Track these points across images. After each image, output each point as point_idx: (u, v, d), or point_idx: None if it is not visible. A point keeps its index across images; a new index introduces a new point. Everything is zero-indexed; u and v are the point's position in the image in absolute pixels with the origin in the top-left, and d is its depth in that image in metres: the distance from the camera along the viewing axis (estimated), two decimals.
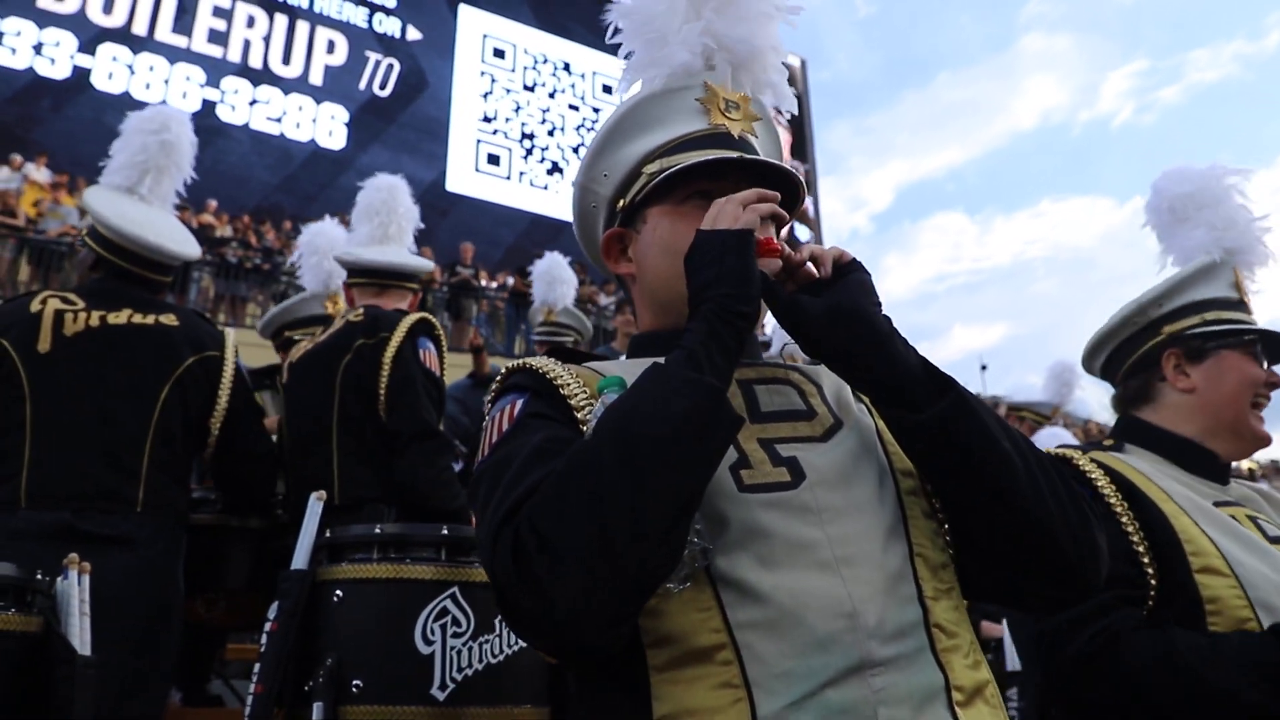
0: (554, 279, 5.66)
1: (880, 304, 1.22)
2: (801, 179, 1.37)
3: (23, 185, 14.66)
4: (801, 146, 32.34)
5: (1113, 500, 1.74)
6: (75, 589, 2.06)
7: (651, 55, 1.42)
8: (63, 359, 2.61)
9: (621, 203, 1.41)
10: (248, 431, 2.90)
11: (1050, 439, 5.09)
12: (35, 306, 2.67)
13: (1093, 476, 1.79)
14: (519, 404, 1.23)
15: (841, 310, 1.18)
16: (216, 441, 2.81)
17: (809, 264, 1.25)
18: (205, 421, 2.79)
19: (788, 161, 1.44)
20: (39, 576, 2.03)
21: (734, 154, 1.32)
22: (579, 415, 1.20)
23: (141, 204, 2.91)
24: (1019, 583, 1.21)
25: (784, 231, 1.33)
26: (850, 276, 1.22)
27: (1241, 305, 1.95)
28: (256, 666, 2.16)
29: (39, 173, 15.90)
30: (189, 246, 2.95)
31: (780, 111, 1.51)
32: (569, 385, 1.23)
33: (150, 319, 2.75)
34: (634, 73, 1.46)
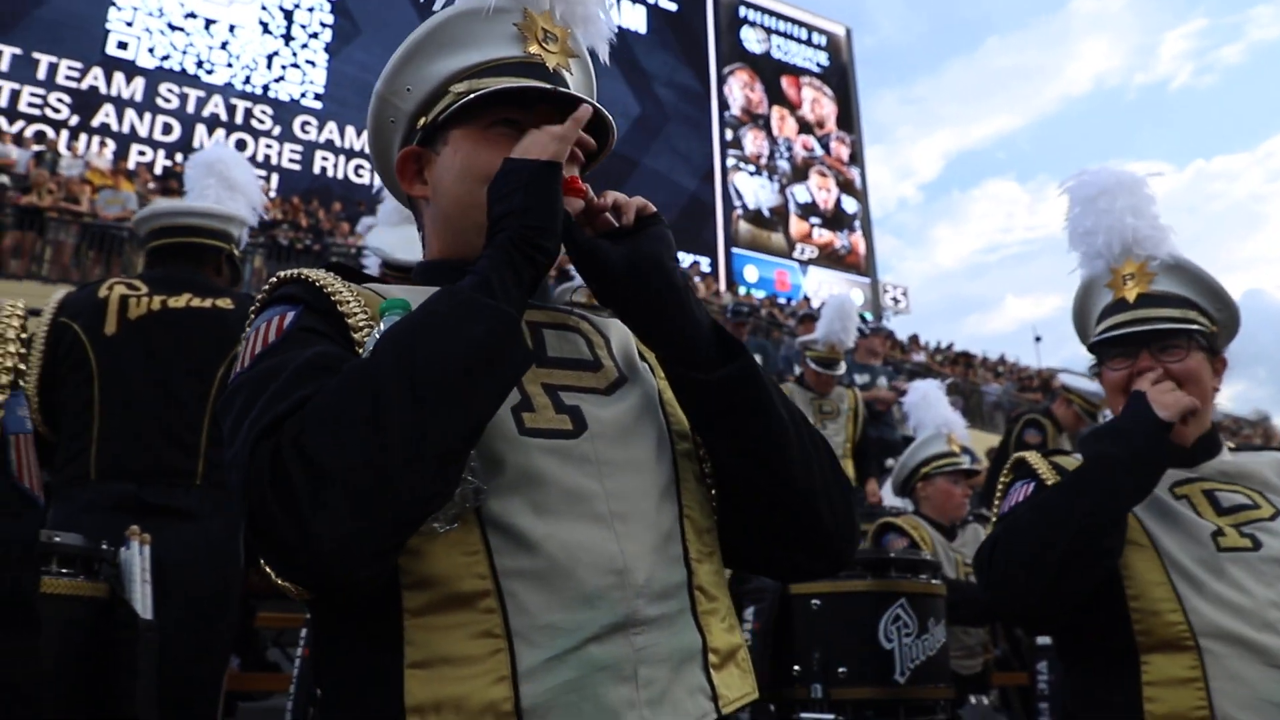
0: None
1: (679, 260, 1.21)
2: (612, 121, 1.31)
3: (85, 171, 15.05)
4: (848, 117, 32.03)
5: (1050, 479, 1.94)
6: (137, 558, 2.21)
7: None
8: (127, 341, 2.77)
9: (423, 121, 1.32)
10: None
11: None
12: (102, 293, 2.84)
13: (1039, 471, 1.97)
14: (290, 316, 1.13)
15: (642, 261, 1.16)
16: None
17: (610, 213, 1.21)
18: None
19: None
20: (104, 546, 2.19)
21: (548, 85, 1.25)
22: (356, 337, 1.11)
23: None
24: (778, 550, 1.23)
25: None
26: (652, 229, 1.20)
27: (1120, 305, 2.02)
28: (302, 631, 2.31)
29: (100, 159, 16.34)
30: (233, 209, 3.10)
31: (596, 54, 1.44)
32: (349, 303, 1.14)
33: (208, 303, 2.90)
34: None
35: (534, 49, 1.30)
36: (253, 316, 1.21)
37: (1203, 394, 1.93)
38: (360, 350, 1.08)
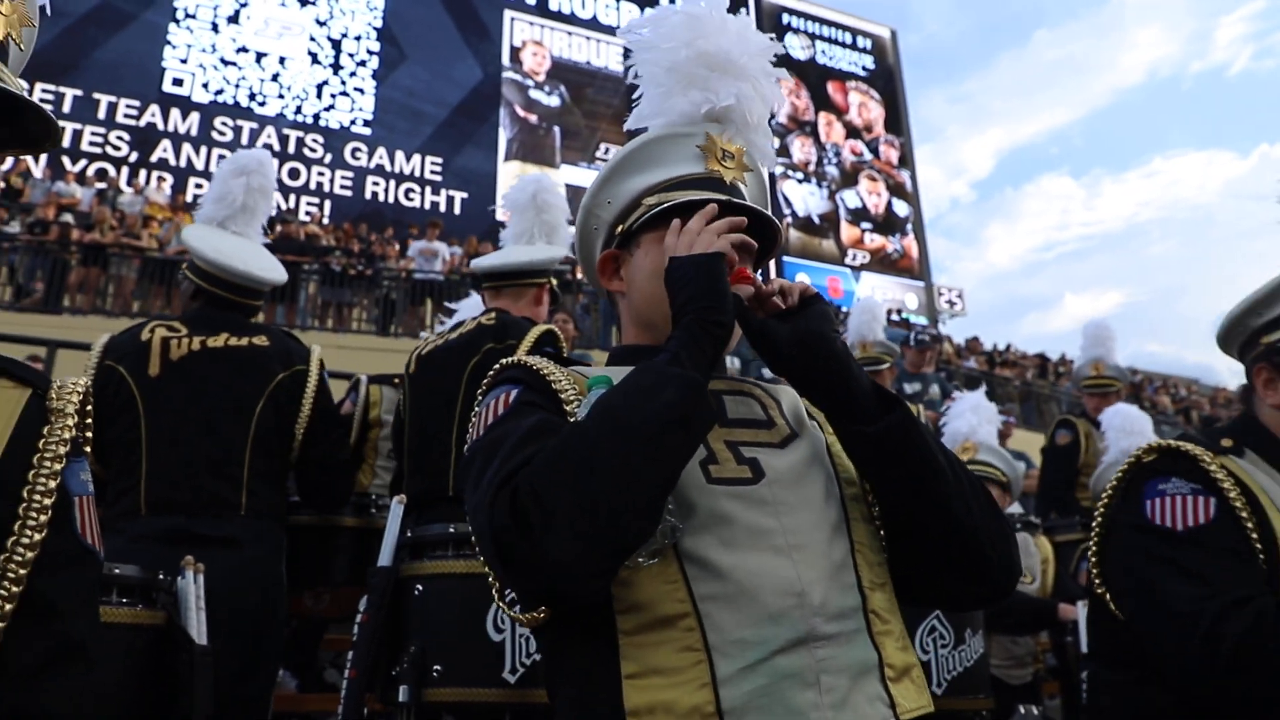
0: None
1: (839, 332, 1.38)
2: (779, 225, 1.54)
3: (144, 206, 15.50)
4: (896, 120, 31.79)
5: (1239, 505, 1.74)
6: (192, 587, 2.33)
7: (659, 106, 1.58)
8: (170, 381, 2.90)
9: (620, 228, 1.56)
10: (323, 438, 3.13)
11: (1114, 415, 4.97)
12: (145, 335, 2.97)
13: (1221, 482, 1.77)
14: (514, 393, 1.37)
15: (807, 336, 1.35)
16: (300, 447, 3.06)
17: (777, 296, 1.41)
18: (293, 428, 3.05)
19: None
20: (161, 576, 2.31)
21: (722, 196, 1.48)
22: (567, 408, 1.34)
23: (233, 236, 3.19)
24: (945, 581, 1.38)
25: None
26: (813, 307, 1.39)
27: None
28: (350, 654, 2.41)
29: (158, 194, 16.82)
30: (275, 273, 3.21)
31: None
32: (560, 381, 1.38)
33: (245, 341, 3.03)
34: (641, 119, 1.62)
35: (714, 166, 1.53)
36: (481, 396, 1.45)
37: None
38: (570, 418, 1.31)
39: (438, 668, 2.33)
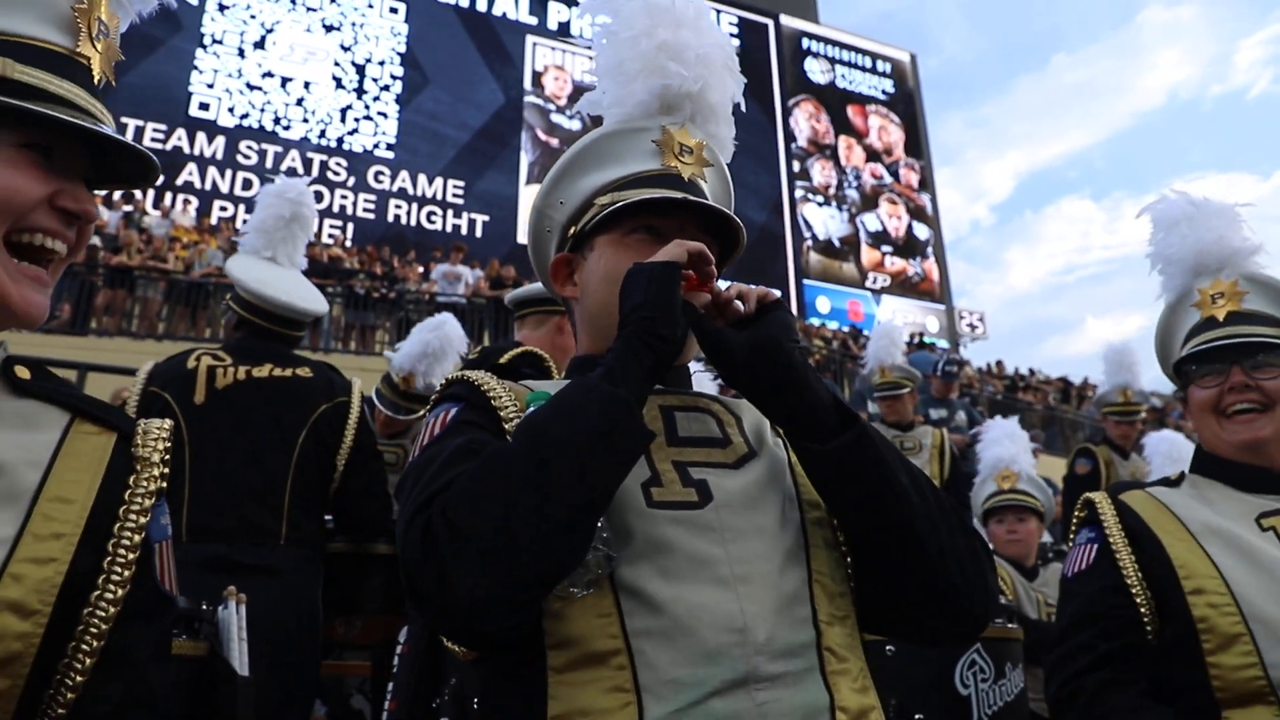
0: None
1: (798, 341, 1.28)
2: (741, 224, 1.43)
3: (169, 230, 15.63)
4: (916, 143, 31.78)
5: (1114, 537, 1.82)
6: (234, 617, 2.32)
7: (617, 95, 1.50)
8: (215, 410, 2.93)
9: (573, 230, 1.47)
10: (363, 469, 3.15)
11: (1160, 442, 4.92)
12: (191, 364, 3.01)
13: (1104, 521, 1.85)
14: (453, 412, 1.29)
15: (760, 344, 1.24)
16: (340, 478, 3.09)
17: (736, 301, 1.30)
18: (333, 459, 3.07)
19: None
20: (204, 607, 2.30)
21: (679, 194, 1.38)
22: (507, 426, 1.26)
23: (275, 266, 3.22)
24: (912, 612, 1.28)
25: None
26: (772, 314, 1.29)
27: (1209, 323, 1.92)
28: (390, 685, 2.41)
29: (184, 217, 16.97)
30: (316, 303, 3.26)
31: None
32: (501, 398, 1.29)
33: (289, 372, 3.06)
34: (597, 107, 1.54)
35: (670, 161, 1.44)
36: (427, 413, 1.36)
37: None
38: (510, 436, 1.20)
39: (477, 700, 2.32)
